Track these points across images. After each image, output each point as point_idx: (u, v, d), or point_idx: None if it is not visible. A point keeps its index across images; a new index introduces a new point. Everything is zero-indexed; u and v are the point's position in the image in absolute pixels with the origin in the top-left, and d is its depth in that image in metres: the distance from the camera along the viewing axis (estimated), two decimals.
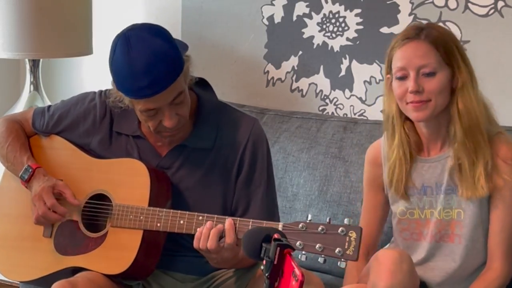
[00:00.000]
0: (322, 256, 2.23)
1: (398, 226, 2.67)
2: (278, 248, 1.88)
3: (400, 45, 2.53)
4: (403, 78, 2.51)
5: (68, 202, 2.58)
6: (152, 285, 2.63)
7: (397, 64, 2.52)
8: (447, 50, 2.51)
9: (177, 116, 2.47)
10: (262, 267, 1.92)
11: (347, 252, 2.20)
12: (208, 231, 2.39)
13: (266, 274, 1.88)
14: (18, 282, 3.12)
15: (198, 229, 2.41)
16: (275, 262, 1.87)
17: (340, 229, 2.21)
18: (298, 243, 2.24)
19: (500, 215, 2.56)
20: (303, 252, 2.25)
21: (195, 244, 2.41)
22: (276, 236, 1.98)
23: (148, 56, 2.39)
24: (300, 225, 2.25)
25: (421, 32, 2.52)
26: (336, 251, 2.21)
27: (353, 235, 2.21)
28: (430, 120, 2.55)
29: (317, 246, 2.22)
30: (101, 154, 2.65)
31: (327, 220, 2.25)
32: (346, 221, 2.22)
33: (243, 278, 2.58)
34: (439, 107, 2.52)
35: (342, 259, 2.21)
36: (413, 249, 2.64)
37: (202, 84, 2.65)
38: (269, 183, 2.62)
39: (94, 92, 2.71)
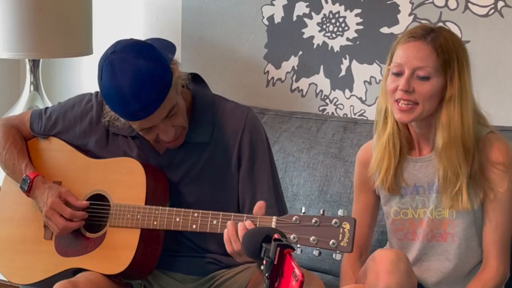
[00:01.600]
0: (317, 248, 2.21)
1: (392, 226, 2.67)
2: (278, 248, 1.88)
3: (404, 41, 2.52)
4: (398, 74, 2.51)
5: (74, 206, 2.59)
6: (153, 286, 2.63)
7: (396, 59, 2.52)
8: (446, 59, 2.49)
9: (173, 128, 2.49)
10: (262, 267, 1.92)
11: (341, 243, 2.18)
12: (234, 232, 2.33)
13: (266, 274, 1.88)
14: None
15: (224, 231, 2.35)
16: (275, 262, 1.87)
17: (334, 220, 2.19)
18: (292, 236, 2.23)
19: (493, 214, 2.55)
20: (298, 245, 2.23)
21: (228, 249, 2.34)
22: (276, 236, 1.98)
23: (134, 81, 2.39)
24: (294, 218, 2.24)
25: (428, 34, 2.50)
26: (330, 243, 2.19)
27: (346, 226, 2.20)
28: (413, 122, 2.55)
29: (311, 238, 2.20)
30: (99, 154, 2.66)
31: (321, 212, 2.24)
32: (340, 212, 2.20)
33: (243, 278, 2.58)
34: (425, 112, 2.51)
35: (337, 251, 2.20)
36: (407, 249, 2.64)
37: (195, 79, 2.66)
38: (272, 169, 2.62)
39: (91, 94, 2.72)
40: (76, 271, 2.57)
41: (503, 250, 2.57)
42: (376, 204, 2.73)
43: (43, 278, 2.63)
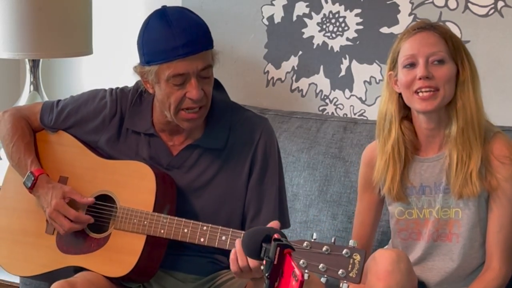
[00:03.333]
0: (325, 276, 2.21)
1: (396, 226, 2.67)
2: (278, 248, 1.88)
3: (409, 35, 2.55)
4: (411, 65, 2.52)
5: (80, 203, 2.59)
6: (153, 286, 2.63)
7: (405, 53, 2.54)
8: (454, 45, 2.53)
9: (202, 91, 2.47)
10: (262, 267, 1.92)
11: (350, 274, 2.18)
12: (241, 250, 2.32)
13: (266, 274, 1.88)
14: (18, 282, 3.13)
15: (232, 251, 2.34)
16: (275, 262, 1.87)
17: (345, 250, 2.19)
18: (301, 261, 2.22)
19: (497, 215, 2.55)
20: (306, 271, 2.23)
21: (233, 268, 2.33)
22: (276, 236, 1.98)
23: (186, 21, 2.48)
24: (305, 244, 2.23)
25: (431, 26, 2.56)
26: (339, 273, 2.18)
27: (357, 257, 2.19)
28: (436, 111, 2.54)
29: (321, 266, 2.19)
30: (109, 153, 2.65)
31: (332, 240, 2.23)
32: (351, 243, 2.20)
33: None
34: (447, 97, 2.52)
35: (345, 281, 2.20)
36: (411, 249, 2.64)
37: (215, 84, 2.65)
38: (281, 183, 2.62)
39: (105, 90, 2.72)
40: (78, 269, 2.57)
41: (506, 251, 2.57)
42: (379, 204, 2.72)
43: (41, 272, 2.63)
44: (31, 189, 2.63)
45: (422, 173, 2.61)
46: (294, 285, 1.74)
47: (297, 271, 1.74)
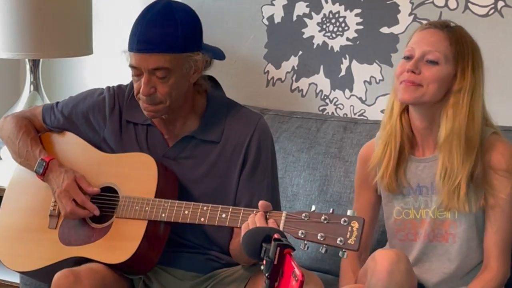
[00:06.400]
0: (324, 246, 2.22)
1: (393, 227, 2.67)
2: (278, 248, 1.88)
3: (421, 29, 2.56)
4: (408, 58, 2.52)
5: (85, 192, 2.60)
6: (153, 282, 2.63)
7: (408, 45, 2.55)
8: (460, 50, 2.50)
9: (152, 89, 2.52)
10: (262, 267, 1.92)
11: (349, 241, 2.20)
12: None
13: (266, 274, 1.88)
14: (18, 282, 3.13)
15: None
16: (275, 262, 1.88)
17: (343, 219, 2.21)
18: (300, 232, 2.24)
19: (494, 217, 2.54)
20: (305, 242, 2.24)
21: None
22: (276, 236, 1.98)
23: (158, 19, 2.50)
24: (303, 215, 2.26)
25: (446, 27, 2.54)
26: (337, 241, 2.20)
27: (355, 225, 2.21)
28: (415, 105, 2.53)
29: (319, 235, 2.21)
30: (113, 146, 2.68)
31: (330, 211, 2.25)
32: (349, 212, 2.22)
33: (243, 277, 2.58)
34: (428, 96, 2.50)
35: (343, 249, 2.21)
36: (408, 250, 2.63)
37: (211, 81, 2.70)
38: (273, 178, 2.64)
39: (103, 88, 2.76)
40: (79, 262, 2.58)
41: (503, 251, 2.56)
42: (377, 203, 2.72)
43: (42, 266, 2.64)
44: (43, 175, 2.65)
45: (419, 173, 2.61)
46: (294, 285, 1.75)
47: (297, 271, 1.74)
